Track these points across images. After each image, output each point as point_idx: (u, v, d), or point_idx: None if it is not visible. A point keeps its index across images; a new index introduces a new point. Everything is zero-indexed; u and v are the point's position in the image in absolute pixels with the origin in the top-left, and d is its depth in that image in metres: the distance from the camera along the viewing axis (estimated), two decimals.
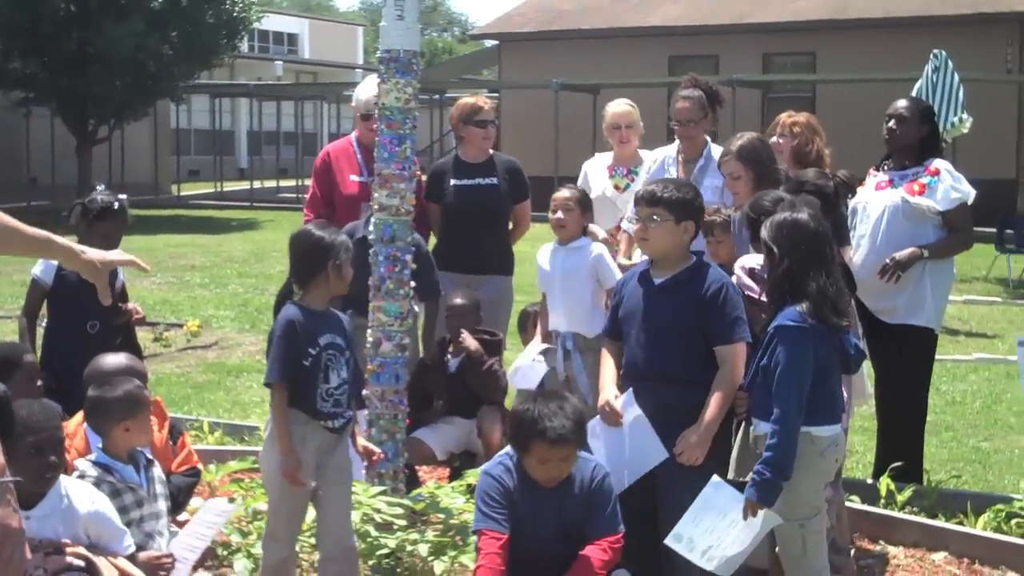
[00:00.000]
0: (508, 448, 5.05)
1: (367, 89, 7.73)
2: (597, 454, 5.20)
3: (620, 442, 5.31)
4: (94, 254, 4.25)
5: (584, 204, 6.88)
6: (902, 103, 7.16)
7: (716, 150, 7.26)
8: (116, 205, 6.70)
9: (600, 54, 31.49)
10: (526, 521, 4.91)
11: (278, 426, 5.05)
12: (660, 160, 7.44)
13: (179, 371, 11.29)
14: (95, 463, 5.27)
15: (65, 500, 4.76)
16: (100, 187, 6.92)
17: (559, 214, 6.80)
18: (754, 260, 5.63)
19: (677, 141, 7.39)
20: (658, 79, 27.81)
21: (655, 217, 5.23)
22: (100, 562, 4.71)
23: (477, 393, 7.23)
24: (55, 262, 6.32)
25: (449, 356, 7.33)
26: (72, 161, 30.03)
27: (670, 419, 5.19)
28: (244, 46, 43.22)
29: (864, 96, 25.06)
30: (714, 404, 5.13)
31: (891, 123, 7.08)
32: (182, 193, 37.02)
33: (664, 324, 5.20)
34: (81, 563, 4.62)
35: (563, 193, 6.88)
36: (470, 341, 7.19)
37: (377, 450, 5.56)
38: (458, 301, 7.33)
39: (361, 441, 5.47)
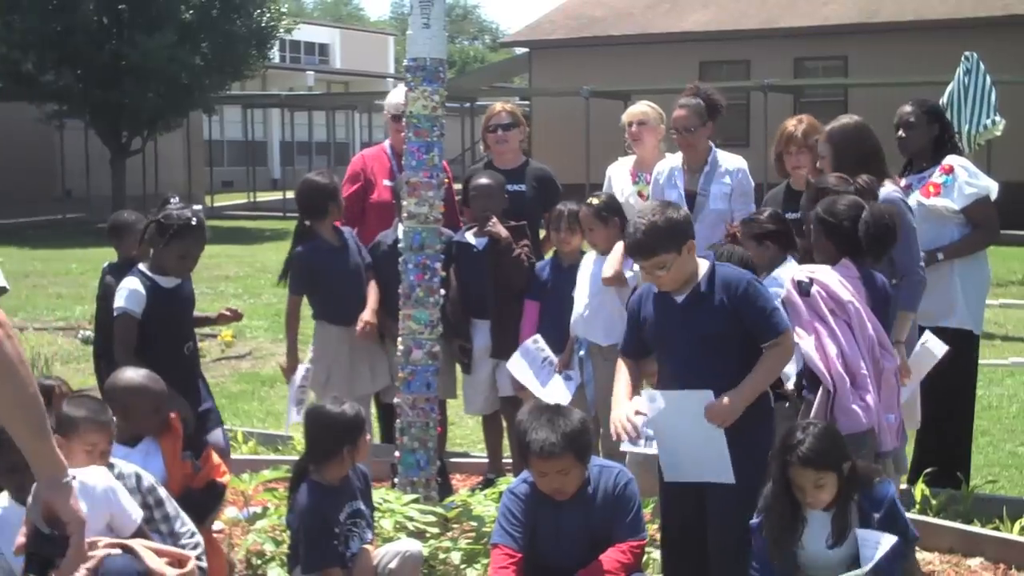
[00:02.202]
0: None
1: (398, 93, 7.81)
2: (654, 429, 5.12)
3: (684, 434, 5.02)
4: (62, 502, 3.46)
5: (612, 212, 6.99)
6: (906, 108, 7.08)
7: (723, 156, 7.27)
8: (195, 220, 6.19)
9: (631, 61, 31.47)
10: (550, 536, 4.95)
11: None
12: (667, 171, 7.41)
13: (213, 381, 11.25)
14: None
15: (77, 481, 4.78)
16: (174, 200, 6.41)
17: (592, 229, 6.96)
18: (806, 271, 5.51)
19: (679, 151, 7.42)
20: (688, 85, 27.75)
21: (659, 265, 4.96)
22: (137, 546, 4.72)
23: (499, 281, 7.22)
24: (142, 290, 6.02)
25: (473, 237, 7.34)
26: (106, 173, 30.22)
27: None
28: (276, 57, 43.50)
29: (896, 99, 24.73)
30: (760, 372, 4.93)
31: (899, 131, 7.03)
32: (215, 204, 37.17)
33: (698, 339, 5.01)
34: (118, 551, 4.64)
35: (584, 211, 6.98)
36: (499, 228, 7.20)
37: None
38: (483, 181, 7.34)
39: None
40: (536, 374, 6.98)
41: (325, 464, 5.21)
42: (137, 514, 4.84)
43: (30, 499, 3.42)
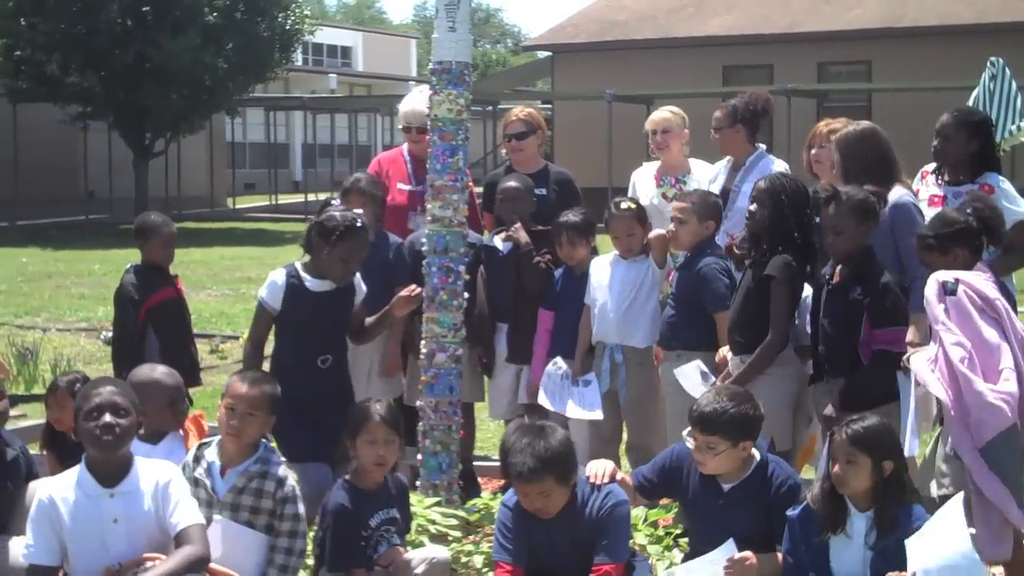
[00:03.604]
0: None
1: (408, 101, 7.83)
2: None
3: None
4: None
5: (641, 219, 7.01)
6: (945, 118, 6.90)
7: (767, 159, 7.31)
8: (359, 223, 5.88)
9: (653, 65, 31.41)
10: (545, 545, 5.02)
11: None
12: (716, 172, 7.53)
13: None
14: None
15: (137, 477, 4.89)
16: (335, 202, 6.22)
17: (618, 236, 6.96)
18: (951, 273, 5.35)
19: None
20: (712, 89, 27.70)
21: (711, 447, 5.03)
22: None
23: (518, 287, 7.22)
24: (281, 283, 5.80)
25: (500, 241, 7.34)
26: (129, 174, 30.29)
27: None
28: (298, 59, 43.51)
29: (920, 105, 24.80)
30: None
31: (936, 141, 6.93)
32: (237, 206, 37.27)
33: (735, 536, 5.03)
34: None
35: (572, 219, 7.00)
36: (522, 234, 7.19)
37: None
38: (512, 184, 7.32)
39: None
40: (562, 397, 6.95)
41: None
42: (177, 518, 4.86)
43: None
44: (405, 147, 8.02)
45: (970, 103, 8.97)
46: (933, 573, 4.65)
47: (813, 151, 7.05)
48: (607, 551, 4.95)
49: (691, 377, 6.34)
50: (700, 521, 5.27)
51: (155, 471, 4.94)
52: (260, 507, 5.14)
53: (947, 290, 5.29)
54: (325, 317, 5.78)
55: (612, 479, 5.13)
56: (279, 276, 5.74)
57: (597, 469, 5.15)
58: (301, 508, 5.21)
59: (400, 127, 7.99)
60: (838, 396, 5.57)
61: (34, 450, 8.00)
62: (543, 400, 6.96)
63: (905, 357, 5.45)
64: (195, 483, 5.24)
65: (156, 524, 4.86)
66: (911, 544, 4.71)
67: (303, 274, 5.74)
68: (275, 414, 5.27)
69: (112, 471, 4.86)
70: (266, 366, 6.09)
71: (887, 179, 6.19)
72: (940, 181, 6.89)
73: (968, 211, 5.52)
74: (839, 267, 5.73)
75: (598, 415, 6.78)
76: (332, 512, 5.16)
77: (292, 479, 5.26)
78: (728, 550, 4.95)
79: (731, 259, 6.60)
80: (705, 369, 6.34)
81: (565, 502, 4.98)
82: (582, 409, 6.82)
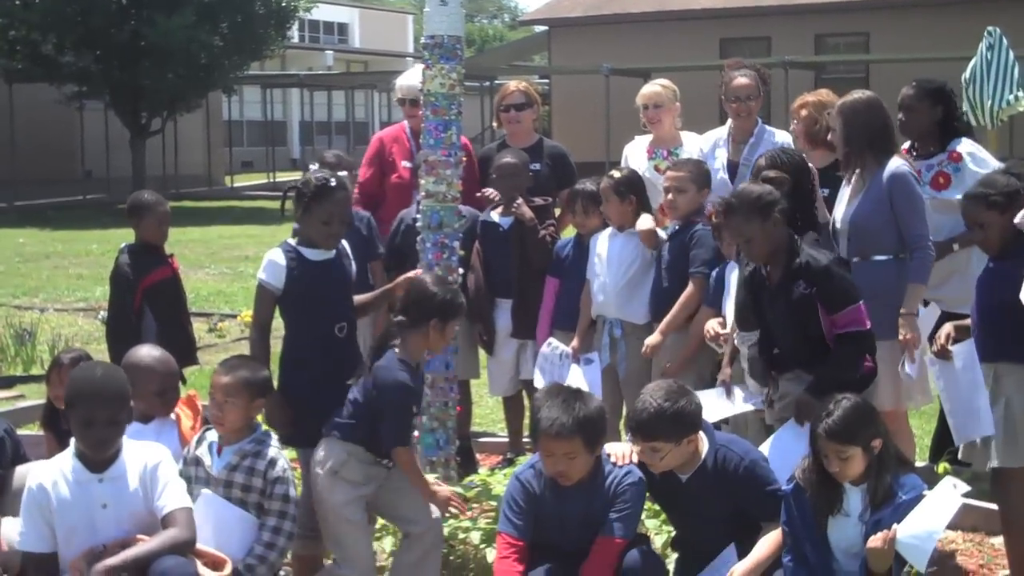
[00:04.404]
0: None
1: (406, 76, 7.89)
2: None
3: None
4: None
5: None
6: (906, 91, 6.88)
7: (771, 130, 7.26)
8: (333, 181, 5.58)
9: (650, 38, 31.33)
10: (553, 522, 4.99)
11: (418, 479, 5.28)
12: (711, 143, 7.45)
13: None
14: None
15: (125, 462, 4.90)
16: (314, 167, 6.06)
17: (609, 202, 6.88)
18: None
19: (729, 122, 7.38)
20: (709, 62, 27.61)
21: (656, 451, 4.95)
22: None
23: (522, 261, 7.22)
24: (282, 262, 5.53)
25: (499, 216, 7.32)
26: (126, 154, 30.24)
27: None
28: (295, 36, 43.39)
29: (919, 76, 24.78)
30: (761, 549, 4.96)
31: (899, 114, 6.87)
32: (235, 184, 37.18)
33: (703, 519, 5.08)
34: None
35: (603, 183, 6.96)
36: (524, 210, 7.18)
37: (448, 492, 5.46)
38: (508, 160, 7.31)
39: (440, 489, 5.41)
40: (557, 376, 6.92)
41: (410, 334, 5.27)
42: (163, 500, 4.87)
43: None
44: (406, 124, 8.01)
45: (967, 73, 8.94)
46: (910, 533, 4.69)
47: (793, 127, 7.06)
48: (619, 525, 4.93)
49: (716, 405, 6.10)
50: (670, 509, 5.28)
51: (143, 454, 4.94)
52: (251, 485, 5.17)
53: None
54: (332, 285, 5.61)
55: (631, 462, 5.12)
56: (277, 255, 5.58)
57: (619, 450, 5.11)
58: (292, 491, 5.21)
59: (396, 100, 8.05)
60: (812, 388, 5.37)
61: (32, 430, 8.04)
62: (538, 380, 6.94)
63: (934, 347, 5.57)
64: (196, 462, 5.28)
65: (144, 507, 4.87)
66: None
67: (299, 248, 5.60)
68: (262, 396, 5.28)
69: (101, 459, 4.87)
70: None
71: (887, 150, 6.16)
72: (914, 152, 6.86)
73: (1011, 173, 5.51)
74: (767, 268, 5.54)
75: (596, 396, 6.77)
76: (399, 388, 5.17)
77: (284, 461, 5.26)
78: (729, 557, 4.94)
79: (711, 224, 6.59)
80: (723, 391, 6.19)
81: (586, 472, 4.95)
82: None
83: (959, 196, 6.64)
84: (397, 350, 5.27)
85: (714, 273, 6.56)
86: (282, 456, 5.27)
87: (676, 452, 4.95)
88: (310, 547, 5.55)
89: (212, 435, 5.33)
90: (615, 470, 5.02)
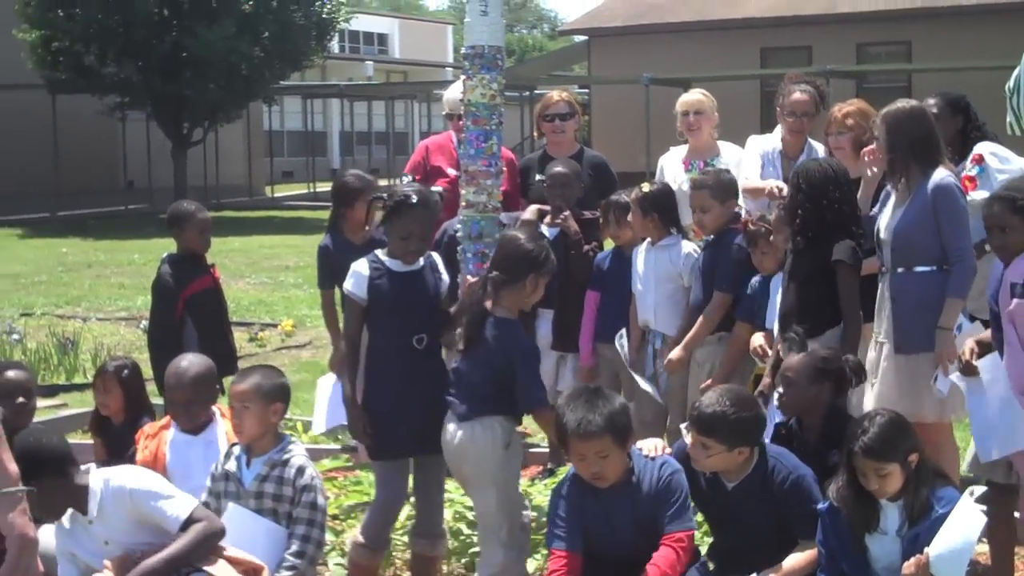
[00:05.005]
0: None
1: (452, 89, 7.89)
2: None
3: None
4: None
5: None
6: (929, 100, 6.83)
7: (818, 148, 7.18)
8: (414, 197, 5.51)
9: (690, 47, 31.26)
10: (602, 527, 4.96)
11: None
12: (765, 152, 7.37)
13: None
14: None
15: (100, 499, 4.88)
16: (407, 178, 5.91)
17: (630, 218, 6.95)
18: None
19: (778, 135, 7.34)
20: (750, 72, 27.56)
21: (705, 447, 4.96)
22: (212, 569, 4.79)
23: (565, 274, 7.11)
24: (365, 272, 5.50)
25: (546, 227, 7.27)
26: (168, 164, 30.39)
27: None
28: (335, 47, 43.53)
29: (961, 85, 24.43)
30: (795, 562, 4.96)
31: None
32: (275, 194, 37.34)
33: (745, 528, 5.05)
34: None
35: (632, 195, 6.96)
36: (571, 223, 7.17)
37: None
38: (559, 170, 7.29)
39: None
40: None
41: (507, 290, 5.32)
42: (174, 512, 4.85)
43: None
44: (453, 134, 8.01)
45: (1011, 82, 8.85)
46: (939, 553, 4.63)
47: (831, 138, 6.90)
48: (677, 518, 4.92)
49: None
50: (710, 515, 5.24)
51: (112, 487, 4.89)
52: (282, 494, 5.18)
53: (1015, 293, 5.19)
54: (413, 296, 5.55)
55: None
56: (361, 266, 5.56)
57: (649, 444, 5.14)
58: (320, 499, 5.22)
59: (444, 114, 8.05)
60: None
61: (76, 438, 8.08)
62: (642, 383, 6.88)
63: (957, 363, 5.52)
64: (226, 477, 5.29)
65: (148, 531, 4.86)
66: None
67: (383, 258, 5.57)
68: (280, 402, 5.31)
69: (73, 503, 4.88)
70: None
71: (932, 159, 6.09)
72: None
73: None
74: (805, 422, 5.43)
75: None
76: (529, 351, 5.33)
77: (312, 469, 5.28)
78: None
79: (744, 235, 6.57)
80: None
81: (622, 471, 4.93)
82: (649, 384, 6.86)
83: (985, 194, 6.61)
84: (495, 309, 5.32)
85: (754, 282, 6.53)
86: (310, 464, 5.29)
87: (725, 457, 4.94)
88: (366, 556, 5.56)
89: (239, 448, 5.34)
90: (649, 464, 5.00)
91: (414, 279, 5.55)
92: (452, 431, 5.33)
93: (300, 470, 5.20)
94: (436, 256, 5.73)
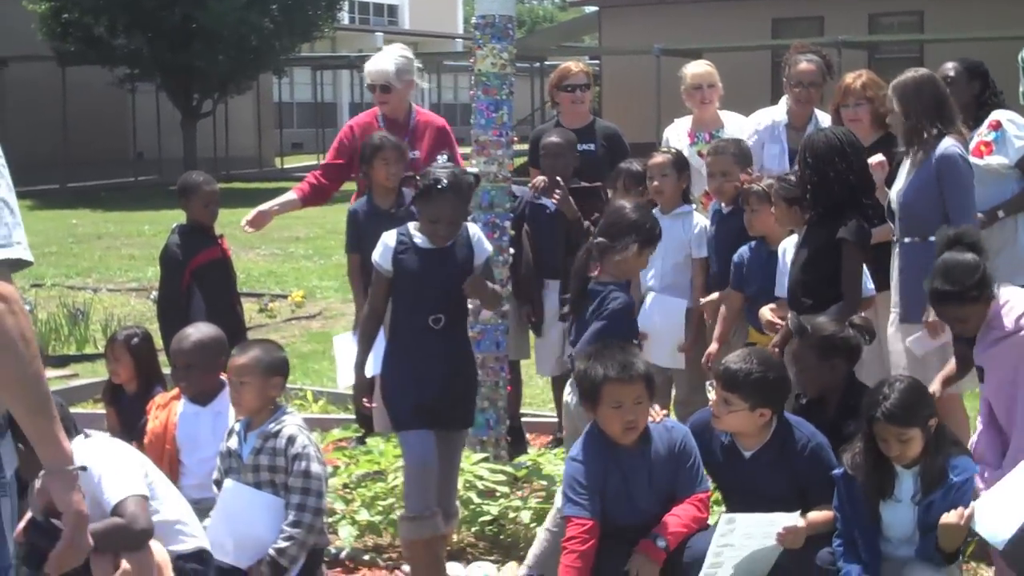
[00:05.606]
0: (589, 426, 5.02)
1: (375, 60, 7.71)
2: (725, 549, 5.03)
3: (745, 549, 4.99)
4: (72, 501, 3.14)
5: (680, 166, 6.93)
6: (947, 65, 6.88)
7: (823, 117, 7.15)
8: (444, 183, 5.28)
9: (702, 18, 31.11)
10: (620, 496, 4.92)
11: None
12: (769, 124, 7.34)
13: (284, 341, 11.30)
14: None
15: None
16: (441, 158, 5.70)
17: (655, 181, 6.82)
18: None
19: (784, 106, 7.31)
20: (761, 42, 27.45)
21: (728, 403, 4.96)
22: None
23: (570, 244, 7.09)
24: (391, 244, 5.35)
25: (542, 196, 7.25)
26: (178, 135, 30.44)
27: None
28: (344, 18, 43.44)
29: (973, 55, 24.45)
30: (817, 516, 4.95)
31: None
32: (285, 166, 37.33)
33: (764, 499, 4.97)
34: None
35: (657, 159, 6.88)
36: (570, 204, 7.08)
37: None
38: (553, 139, 7.25)
39: None
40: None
41: (612, 256, 5.36)
42: (110, 493, 4.63)
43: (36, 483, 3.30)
44: (378, 111, 7.74)
45: (1023, 54, 8.82)
46: (988, 509, 4.57)
47: (847, 109, 6.81)
48: (693, 480, 4.96)
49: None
50: (725, 485, 5.23)
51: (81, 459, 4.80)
52: (275, 465, 5.14)
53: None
54: (434, 275, 5.36)
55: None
56: (390, 237, 5.41)
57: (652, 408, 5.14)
58: (316, 467, 5.11)
59: (367, 86, 7.79)
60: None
61: (86, 408, 8.11)
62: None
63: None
64: (228, 453, 5.28)
65: (97, 509, 4.52)
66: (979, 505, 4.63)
67: (413, 232, 5.41)
68: (278, 375, 5.28)
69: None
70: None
71: (946, 125, 6.06)
72: None
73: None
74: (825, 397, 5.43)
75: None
76: (613, 314, 5.28)
77: (304, 438, 5.16)
78: (792, 519, 4.83)
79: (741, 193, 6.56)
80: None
81: (646, 423, 4.94)
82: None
83: (1002, 159, 6.59)
84: (600, 276, 5.36)
85: (743, 250, 6.52)
86: (301, 433, 5.18)
87: (745, 417, 4.93)
88: (413, 529, 5.27)
89: (240, 425, 5.34)
90: (656, 427, 5.00)
91: (441, 257, 5.37)
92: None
93: (291, 439, 5.11)
94: (472, 227, 5.55)
